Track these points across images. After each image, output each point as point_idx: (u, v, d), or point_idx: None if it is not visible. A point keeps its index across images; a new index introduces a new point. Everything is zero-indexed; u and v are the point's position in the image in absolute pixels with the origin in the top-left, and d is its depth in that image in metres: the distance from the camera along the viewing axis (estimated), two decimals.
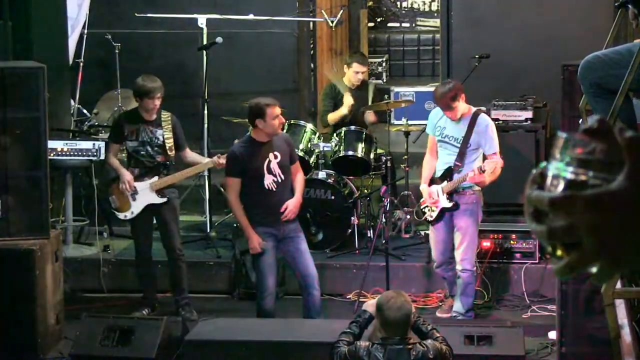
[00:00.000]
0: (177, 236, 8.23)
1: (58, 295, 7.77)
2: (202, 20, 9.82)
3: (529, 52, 9.57)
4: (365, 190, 9.50)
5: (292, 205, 7.46)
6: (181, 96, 9.77)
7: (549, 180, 1.21)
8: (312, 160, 9.25)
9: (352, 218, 9.08)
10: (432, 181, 8.02)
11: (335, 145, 9.14)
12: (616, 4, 5.14)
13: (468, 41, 9.69)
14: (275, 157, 7.42)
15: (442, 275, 8.31)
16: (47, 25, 9.76)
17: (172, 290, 8.37)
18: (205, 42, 9.74)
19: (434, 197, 7.93)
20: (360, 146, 9.15)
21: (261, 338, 6.84)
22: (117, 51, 10.46)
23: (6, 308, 7.39)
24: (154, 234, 8.36)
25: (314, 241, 8.92)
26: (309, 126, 9.39)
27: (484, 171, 7.67)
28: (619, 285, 4.52)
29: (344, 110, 9.50)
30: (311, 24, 11.28)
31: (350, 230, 9.10)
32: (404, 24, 15.43)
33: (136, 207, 8.12)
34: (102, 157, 9.07)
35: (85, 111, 10.51)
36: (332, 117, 9.60)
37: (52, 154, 8.41)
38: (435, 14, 14.73)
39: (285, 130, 8.68)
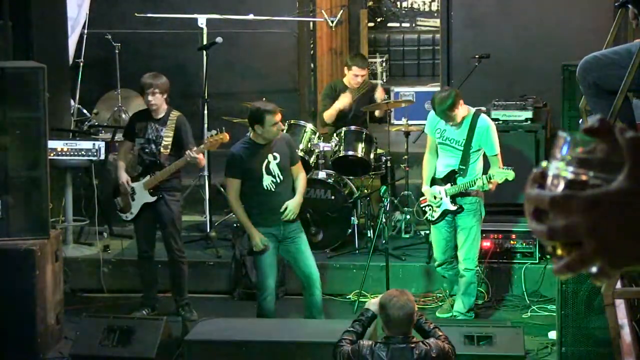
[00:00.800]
0: (177, 238, 8.20)
1: (58, 295, 7.77)
2: (202, 20, 9.83)
3: (529, 52, 9.57)
4: (365, 190, 9.50)
5: (292, 206, 7.46)
6: (181, 96, 9.76)
7: (549, 180, 1.21)
8: (312, 160, 9.26)
9: (352, 218, 9.08)
10: (434, 181, 8.01)
11: (335, 145, 9.14)
12: (616, 4, 5.14)
13: (468, 41, 9.69)
14: (275, 158, 7.43)
15: (442, 275, 8.31)
16: (47, 25, 9.77)
17: (172, 291, 8.38)
18: (205, 42, 9.74)
19: (438, 197, 7.92)
20: (360, 146, 9.15)
21: (261, 338, 6.83)
22: (117, 51, 10.46)
23: (6, 308, 7.39)
24: (154, 234, 8.37)
25: (314, 241, 8.92)
26: (309, 126, 9.39)
27: (489, 180, 7.68)
28: (619, 285, 4.53)
29: (337, 105, 9.47)
30: (311, 24, 11.28)
31: (350, 230, 9.11)
32: (404, 24, 15.43)
33: (135, 207, 8.14)
34: (102, 157, 9.07)
35: (85, 111, 10.52)
36: (327, 114, 9.58)
37: (52, 154, 8.42)
38: (435, 14, 14.73)
39: (285, 131, 8.67)
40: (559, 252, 1.21)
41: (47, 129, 7.58)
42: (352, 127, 9.27)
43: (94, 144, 9.03)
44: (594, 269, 1.20)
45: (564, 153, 1.21)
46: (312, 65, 11.40)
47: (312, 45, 11.42)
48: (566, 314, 6.82)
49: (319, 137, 9.31)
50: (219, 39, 9.48)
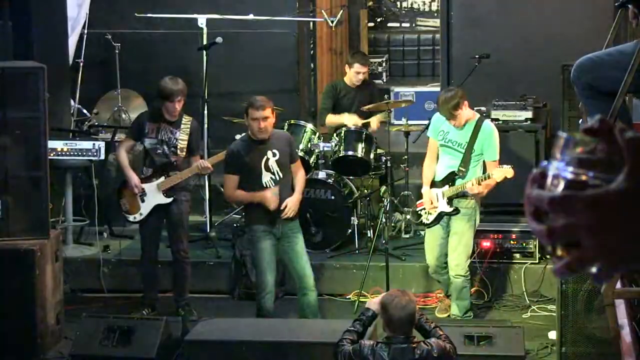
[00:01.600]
0: (184, 239, 8.24)
1: (58, 295, 7.77)
2: (202, 20, 9.83)
3: (529, 52, 9.56)
4: (365, 190, 9.50)
5: (291, 203, 7.46)
6: None
7: (549, 180, 1.21)
8: (312, 160, 9.26)
9: (352, 218, 9.08)
10: (433, 184, 8.00)
11: (335, 145, 9.14)
12: (616, 4, 5.14)
13: (468, 41, 9.68)
14: (274, 155, 7.43)
15: (437, 280, 8.31)
16: (47, 25, 9.77)
17: (173, 291, 8.37)
18: (205, 42, 9.75)
19: (434, 202, 7.91)
20: (360, 146, 9.14)
21: (261, 338, 6.83)
22: (117, 51, 10.46)
23: (6, 308, 7.39)
24: (160, 235, 8.38)
25: (314, 241, 8.93)
26: (309, 126, 9.39)
27: (479, 182, 7.67)
28: (619, 285, 4.53)
29: (345, 120, 9.43)
30: (311, 24, 11.28)
31: (350, 230, 9.11)
32: (404, 24, 15.42)
33: (145, 209, 8.12)
34: (102, 157, 9.07)
35: (85, 111, 10.52)
36: (331, 121, 9.57)
37: (52, 154, 8.41)
38: (435, 14, 14.72)
39: (285, 130, 8.68)
40: (559, 252, 1.21)
41: (47, 129, 7.58)
42: (352, 127, 9.27)
43: (94, 144, 9.03)
44: (593, 269, 1.20)
45: (563, 153, 1.21)
46: (312, 65, 11.40)
47: (312, 45, 11.42)
48: (566, 314, 6.81)
49: (318, 137, 9.32)
50: (219, 39, 9.48)
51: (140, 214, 8.15)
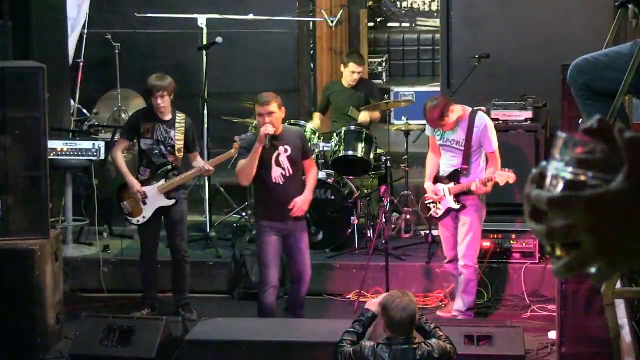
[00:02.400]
0: (184, 238, 8.25)
1: (58, 295, 7.77)
2: (202, 20, 9.83)
3: (529, 52, 9.56)
4: (365, 190, 9.50)
5: (300, 203, 7.46)
6: (181, 96, 9.74)
7: (548, 180, 1.21)
8: None
9: (352, 218, 9.08)
10: (438, 179, 8.04)
11: (335, 145, 9.14)
12: (616, 4, 5.14)
13: (468, 41, 9.69)
14: (286, 150, 7.46)
15: (451, 273, 8.27)
16: (47, 25, 9.77)
17: (173, 291, 8.37)
18: (205, 42, 9.75)
19: (440, 194, 7.95)
20: (360, 146, 9.14)
21: (261, 338, 6.83)
22: (117, 51, 10.45)
23: (6, 308, 7.39)
24: (159, 235, 8.38)
25: (314, 241, 8.92)
26: (309, 126, 9.39)
27: (485, 183, 7.72)
28: (619, 285, 4.53)
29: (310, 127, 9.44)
30: (311, 24, 11.28)
31: (350, 230, 9.11)
32: (404, 24, 15.43)
33: (148, 212, 8.12)
34: (102, 157, 9.07)
35: (85, 111, 10.51)
36: (316, 123, 9.69)
37: (52, 154, 8.41)
38: (435, 14, 14.73)
39: None
40: (558, 252, 1.21)
41: (47, 129, 7.58)
42: (352, 127, 9.27)
43: (94, 144, 9.03)
44: (593, 269, 1.20)
45: (563, 153, 1.21)
46: (312, 65, 11.40)
47: (312, 45, 11.41)
48: (566, 314, 6.82)
49: (319, 137, 9.32)
50: (219, 39, 9.48)
51: (144, 217, 8.15)
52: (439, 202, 8.01)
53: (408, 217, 9.42)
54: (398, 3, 15.48)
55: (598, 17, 9.02)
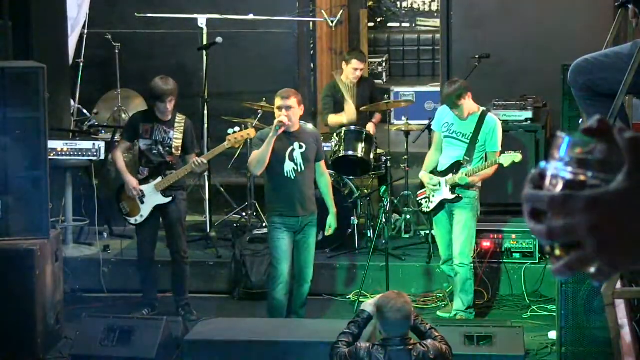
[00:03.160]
0: (183, 238, 8.25)
1: (58, 295, 7.77)
2: (202, 20, 9.82)
3: (529, 52, 9.57)
4: (365, 190, 9.50)
5: (331, 221, 7.84)
6: (181, 96, 9.74)
7: (548, 180, 1.21)
8: None
9: (352, 218, 9.08)
10: (433, 175, 8.05)
11: (335, 145, 9.14)
12: (616, 4, 5.15)
13: (468, 41, 9.69)
14: (301, 147, 7.60)
15: (447, 274, 8.28)
16: (47, 25, 9.76)
17: (173, 291, 8.37)
18: (205, 42, 9.75)
19: (434, 181, 7.96)
20: (360, 146, 9.14)
21: (261, 338, 6.84)
22: (117, 51, 10.45)
23: (6, 308, 7.38)
24: (157, 235, 8.38)
25: None
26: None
27: (493, 163, 7.80)
28: (619, 285, 4.53)
29: (344, 120, 9.48)
30: (311, 24, 11.27)
31: (350, 230, 9.11)
32: (404, 24, 15.42)
33: (145, 210, 8.13)
34: (102, 157, 9.07)
35: (85, 111, 10.52)
36: (332, 121, 9.60)
37: (52, 154, 8.41)
38: (435, 14, 14.72)
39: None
40: (558, 252, 1.21)
41: (47, 129, 7.58)
42: (352, 127, 9.27)
43: (94, 144, 9.03)
44: (593, 269, 1.20)
45: (562, 153, 1.21)
46: (312, 65, 11.40)
47: (312, 45, 11.41)
48: (566, 314, 6.82)
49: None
50: (219, 39, 9.48)
51: (142, 216, 8.15)
52: (432, 195, 8.02)
53: (408, 217, 9.42)
54: (398, 3, 15.48)
55: (598, 17, 9.02)
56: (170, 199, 8.10)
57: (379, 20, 15.31)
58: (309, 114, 10.96)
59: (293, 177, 7.56)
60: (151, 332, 7.14)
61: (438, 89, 10.34)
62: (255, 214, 9.59)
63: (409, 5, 15.50)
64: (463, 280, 7.99)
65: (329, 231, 7.89)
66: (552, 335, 7.47)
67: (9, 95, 7.42)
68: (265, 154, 7.46)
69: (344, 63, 9.80)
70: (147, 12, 10.44)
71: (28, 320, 7.39)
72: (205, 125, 9.45)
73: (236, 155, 9.81)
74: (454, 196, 7.93)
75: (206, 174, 9.40)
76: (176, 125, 8.10)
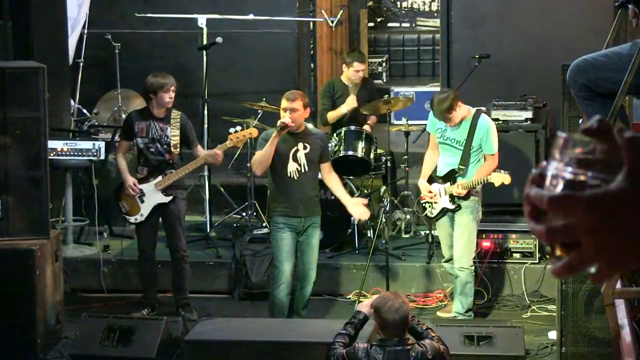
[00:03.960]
0: (182, 237, 8.25)
1: (58, 295, 7.77)
2: (202, 20, 9.83)
3: (529, 52, 9.57)
4: (365, 190, 9.50)
5: (365, 213, 7.82)
6: (181, 96, 9.76)
7: (548, 180, 1.21)
8: None
9: (352, 218, 9.08)
10: (434, 179, 8.03)
11: (335, 145, 9.13)
12: (616, 4, 5.14)
13: (468, 41, 9.69)
14: (305, 147, 7.61)
15: (449, 272, 8.26)
16: (47, 25, 9.76)
17: (173, 291, 8.38)
18: (205, 42, 9.75)
19: (434, 191, 7.94)
20: (360, 146, 9.14)
21: (261, 338, 6.84)
22: (117, 51, 10.45)
23: (6, 308, 7.38)
24: (156, 234, 8.38)
25: None
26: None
27: (486, 181, 7.77)
28: (619, 285, 4.53)
29: (343, 109, 9.50)
30: (311, 24, 11.27)
31: (350, 230, 9.11)
32: (404, 24, 15.41)
33: (145, 209, 8.12)
34: (102, 157, 9.07)
35: (85, 111, 10.51)
36: (332, 115, 9.60)
37: (52, 154, 8.41)
38: (435, 14, 14.71)
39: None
40: (558, 252, 1.21)
41: (47, 129, 7.58)
42: (352, 127, 9.27)
43: (94, 144, 9.03)
44: (593, 269, 1.20)
45: (563, 153, 1.21)
46: (312, 65, 11.39)
47: (312, 45, 11.41)
48: (566, 314, 6.82)
49: None
50: (219, 39, 9.48)
51: (142, 215, 8.14)
52: (434, 202, 8.00)
53: (408, 217, 9.42)
54: (398, 3, 15.46)
55: (598, 17, 9.02)
56: (170, 197, 8.10)
57: (379, 20, 15.30)
58: (309, 114, 10.95)
59: (296, 178, 7.57)
60: (151, 332, 7.14)
61: (438, 89, 10.32)
62: (255, 214, 9.59)
63: (409, 5, 15.49)
64: (463, 283, 7.97)
65: (361, 220, 7.90)
66: (552, 335, 7.46)
67: (9, 95, 7.42)
68: (267, 154, 7.48)
69: (344, 65, 9.80)
70: (147, 12, 10.44)
71: (28, 320, 7.39)
72: (205, 125, 9.45)
73: (236, 155, 9.81)
74: (454, 206, 7.92)
75: (206, 173, 9.40)
76: (172, 121, 8.09)
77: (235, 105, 10.04)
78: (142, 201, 8.11)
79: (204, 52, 9.57)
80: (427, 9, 15.47)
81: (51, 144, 8.25)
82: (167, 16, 10.39)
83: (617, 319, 4.49)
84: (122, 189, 8.18)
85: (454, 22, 9.81)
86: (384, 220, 8.59)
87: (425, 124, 8.49)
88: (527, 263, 8.72)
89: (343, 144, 9.13)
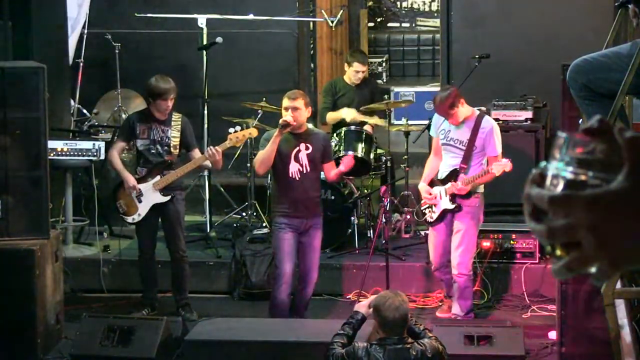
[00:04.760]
0: (181, 237, 8.25)
1: (58, 295, 7.77)
2: (202, 20, 9.83)
3: (529, 52, 9.56)
4: (365, 190, 9.50)
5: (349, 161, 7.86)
6: (181, 96, 9.75)
7: (548, 180, 1.21)
8: None
9: (352, 218, 9.08)
10: (434, 183, 8.00)
11: (335, 145, 9.13)
12: (616, 4, 5.15)
13: (468, 41, 9.68)
14: (307, 148, 7.61)
15: (439, 278, 8.27)
16: (47, 25, 9.76)
17: (173, 291, 8.38)
18: (205, 42, 9.75)
19: (433, 193, 7.91)
20: (360, 146, 9.14)
21: (261, 338, 6.84)
22: (117, 51, 10.45)
23: (6, 308, 7.38)
24: (156, 234, 8.38)
25: None
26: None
27: (486, 172, 7.70)
28: (619, 285, 4.53)
29: (343, 114, 9.49)
30: (311, 24, 11.27)
31: (350, 230, 9.11)
32: (404, 24, 15.41)
33: (143, 209, 8.12)
34: (102, 157, 9.07)
35: (85, 111, 10.51)
36: (331, 117, 9.60)
37: (52, 154, 8.41)
38: (435, 14, 14.71)
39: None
40: (558, 252, 1.21)
41: (47, 129, 7.57)
42: (352, 127, 9.27)
43: (94, 144, 9.03)
44: (593, 269, 1.20)
45: (563, 153, 1.21)
46: (312, 65, 11.40)
47: (312, 45, 11.41)
48: (566, 314, 6.82)
49: None
50: (219, 39, 9.48)
51: (139, 215, 8.14)
52: (434, 206, 7.96)
53: (408, 217, 9.41)
54: (398, 3, 15.47)
55: (598, 17, 9.02)
56: (168, 198, 8.09)
57: (379, 20, 15.30)
58: (310, 114, 10.95)
59: (297, 179, 7.58)
60: (151, 332, 7.14)
61: (438, 89, 10.32)
62: (255, 214, 9.59)
63: (409, 5, 15.50)
64: (462, 288, 7.93)
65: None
66: (552, 335, 7.46)
67: (9, 95, 7.42)
68: (269, 152, 7.50)
69: (345, 65, 9.80)
70: (147, 12, 10.44)
71: (28, 320, 7.39)
72: (205, 125, 9.45)
73: (236, 156, 9.81)
74: (454, 206, 7.88)
75: (206, 173, 9.40)
76: (173, 124, 8.10)
77: (235, 105, 10.04)
78: (140, 201, 8.11)
79: (204, 52, 9.57)
80: (427, 9, 15.47)
81: (51, 144, 8.25)
82: (167, 16, 10.39)
83: (617, 319, 4.50)
84: (121, 188, 8.17)
85: (454, 22, 9.81)
86: (384, 220, 8.59)
87: (426, 124, 8.49)
88: (527, 263, 8.71)
89: (343, 144, 9.13)
